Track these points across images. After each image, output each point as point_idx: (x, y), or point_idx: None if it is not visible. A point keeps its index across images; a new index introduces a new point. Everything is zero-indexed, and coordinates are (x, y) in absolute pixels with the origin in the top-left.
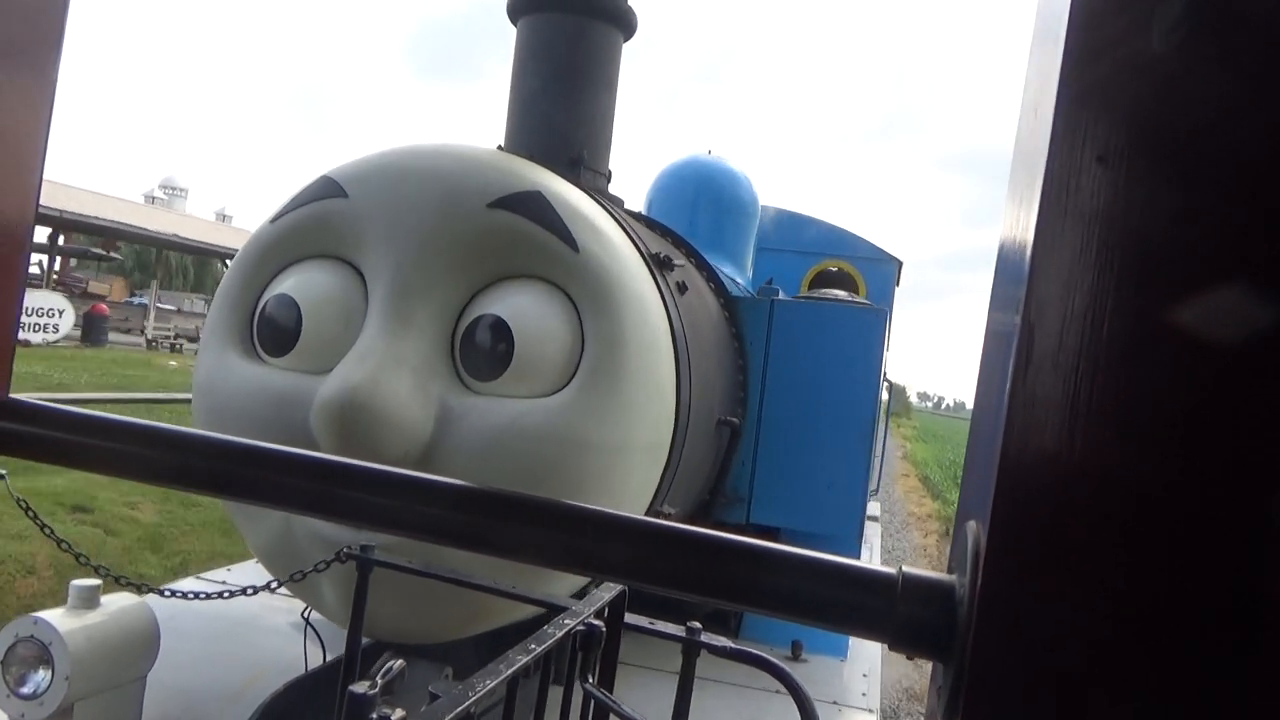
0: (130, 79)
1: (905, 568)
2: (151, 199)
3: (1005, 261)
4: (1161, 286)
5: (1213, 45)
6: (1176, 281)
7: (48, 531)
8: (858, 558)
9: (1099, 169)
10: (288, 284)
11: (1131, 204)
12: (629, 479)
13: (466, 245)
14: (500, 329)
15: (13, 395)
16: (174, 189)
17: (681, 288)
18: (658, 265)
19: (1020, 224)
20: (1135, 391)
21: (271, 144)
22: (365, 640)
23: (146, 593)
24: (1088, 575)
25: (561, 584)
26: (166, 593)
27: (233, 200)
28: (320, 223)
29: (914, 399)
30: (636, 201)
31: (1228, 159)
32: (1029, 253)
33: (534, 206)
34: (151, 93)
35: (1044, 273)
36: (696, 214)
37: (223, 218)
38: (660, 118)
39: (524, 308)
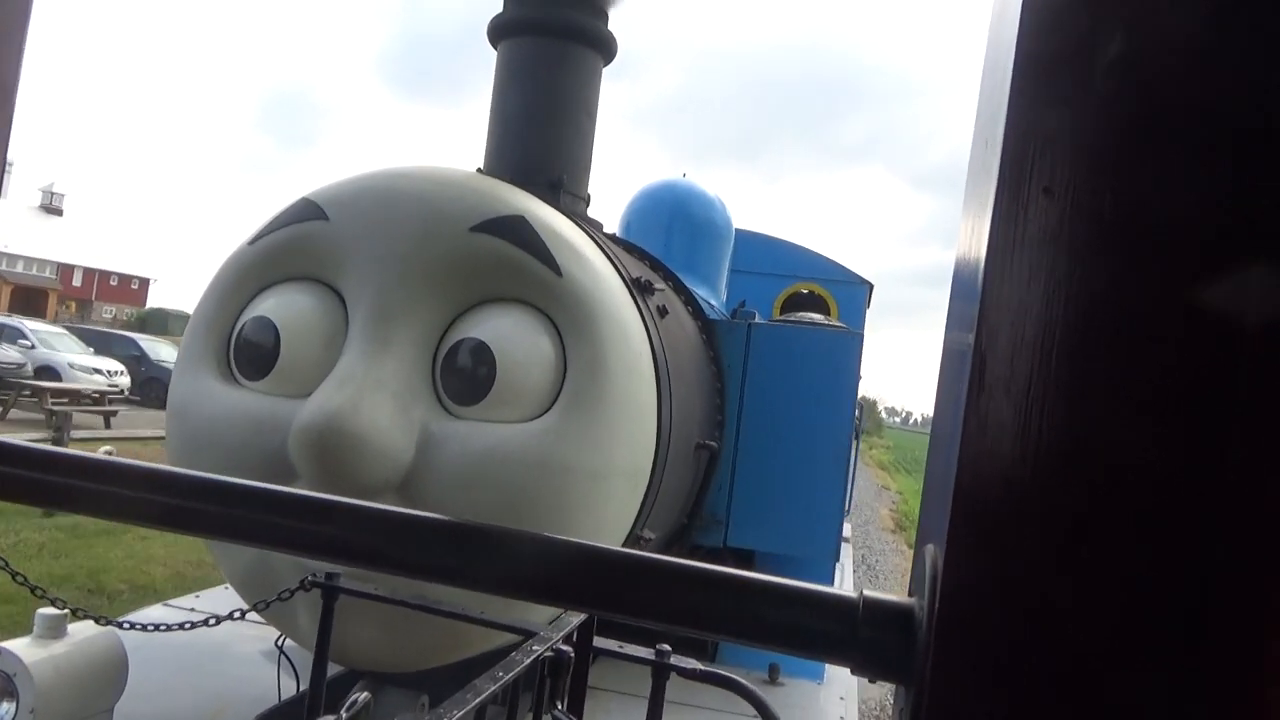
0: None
1: (866, 591)
2: None
3: (960, 285)
4: (1107, 315)
5: (1140, 83)
6: (1122, 312)
7: (1, 563)
8: (832, 579)
9: (1045, 200)
10: (266, 306)
11: (1076, 235)
12: (610, 504)
13: (448, 269)
14: (482, 352)
15: None
16: None
17: (662, 311)
18: (639, 289)
19: (973, 250)
20: (1084, 418)
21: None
22: (339, 669)
23: (106, 625)
24: (1042, 596)
25: (539, 611)
26: (126, 625)
27: (66, 182)
28: (300, 245)
29: (883, 414)
30: (611, 224)
31: (1170, 193)
32: (980, 279)
33: (517, 231)
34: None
35: (995, 301)
36: (671, 236)
37: (50, 196)
38: (637, 140)
39: (506, 331)
